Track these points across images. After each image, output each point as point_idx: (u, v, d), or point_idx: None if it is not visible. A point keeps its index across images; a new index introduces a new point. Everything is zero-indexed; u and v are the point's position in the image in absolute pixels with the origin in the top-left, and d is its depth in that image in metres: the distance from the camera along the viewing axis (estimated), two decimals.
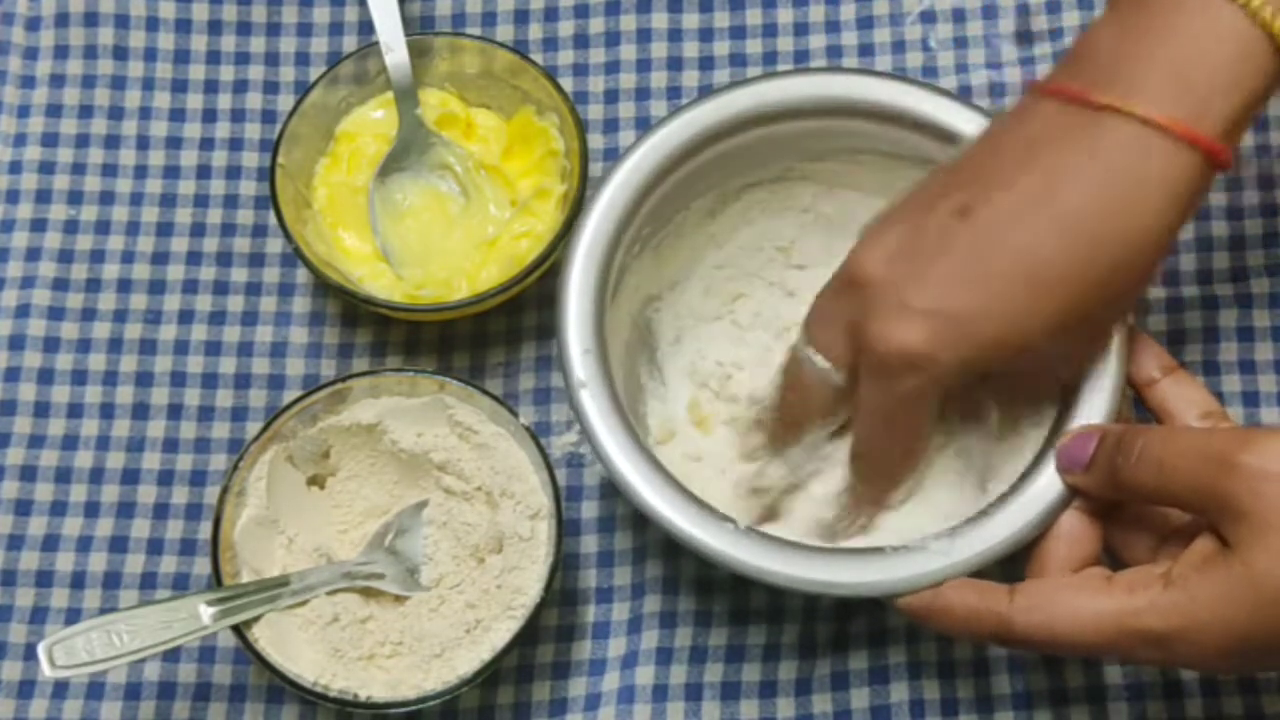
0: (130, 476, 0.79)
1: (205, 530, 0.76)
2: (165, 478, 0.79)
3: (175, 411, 0.81)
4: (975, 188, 0.65)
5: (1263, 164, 0.82)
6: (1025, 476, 0.67)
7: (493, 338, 0.82)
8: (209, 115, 0.87)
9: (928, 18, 0.87)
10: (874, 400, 0.66)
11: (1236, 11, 0.62)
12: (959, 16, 0.87)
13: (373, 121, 0.83)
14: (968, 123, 0.72)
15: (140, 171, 0.85)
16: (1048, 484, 0.66)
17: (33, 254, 0.83)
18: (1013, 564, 0.67)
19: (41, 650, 0.66)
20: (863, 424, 0.68)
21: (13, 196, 0.84)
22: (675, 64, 0.87)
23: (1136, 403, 0.69)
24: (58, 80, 0.87)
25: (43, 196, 0.85)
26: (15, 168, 0.85)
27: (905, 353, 0.63)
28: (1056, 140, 0.63)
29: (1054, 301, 0.63)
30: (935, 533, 0.66)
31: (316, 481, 0.76)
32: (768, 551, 0.66)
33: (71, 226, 0.84)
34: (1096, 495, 0.65)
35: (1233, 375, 0.78)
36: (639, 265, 0.75)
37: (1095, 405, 0.67)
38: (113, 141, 0.86)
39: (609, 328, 0.71)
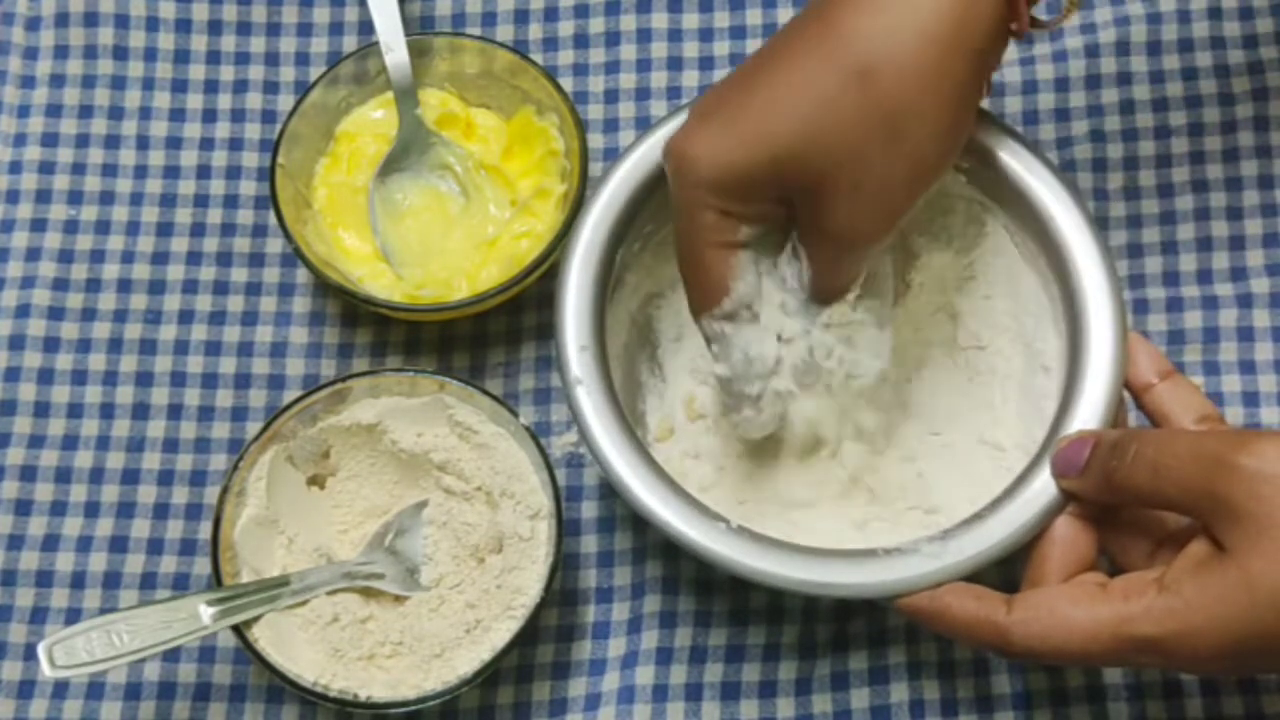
0: (130, 476, 0.79)
1: (205, 530, 0.76)
2: (165, 478, 0.79)
3: (175, 411, 0.81)
4: (784, 33, 0.66)
5: (1262, 164, 0.82)
6: (1018, 481, 0.67)
7: (493, 338, 0.82)
8: (209, 115, 0.87)
9: None
10: (672, 208, 0.67)
11: None
12: None
13: (373, 121, 0.83)
14: None
15: (140, 171, 0.85)
16: (1041, 488, 0.66)
17: (33, 254, 0.83)
18: (1009, 566, 0.67)
19: (41, 650, 0.66)
20: (674, 231, 0.68)
21: (13, 196, 0.84)
22: (675, 64, 0.87)
23: (1133, 407, 0.69)
24: (58, 80, 0.87)
25: (43, 196, 0.85)
26: (15, 168, 0.85)
27: (675, 153, 0.65)
28: None
29: (816, 98, 0.63)
30: (928, 535, 0.66)
31: (316, 481, 0.76)
32: (760, 552, 0.66)
33: (71, 226, 0.84)
34: (1092, 499, 0.65)
35: (1233, 375, 0.78)
36: (640, 263, 0.75)
37: (1092, 409, 0.67)
38: (113, 141, 0.86)
39: (608, 325, 0.71)
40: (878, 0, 0.62)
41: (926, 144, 0.64)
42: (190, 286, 0.83)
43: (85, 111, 0.86)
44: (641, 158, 0.73)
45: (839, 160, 0.63)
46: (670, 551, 0.76)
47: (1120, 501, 0.64)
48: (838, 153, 0.63)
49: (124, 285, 0.83)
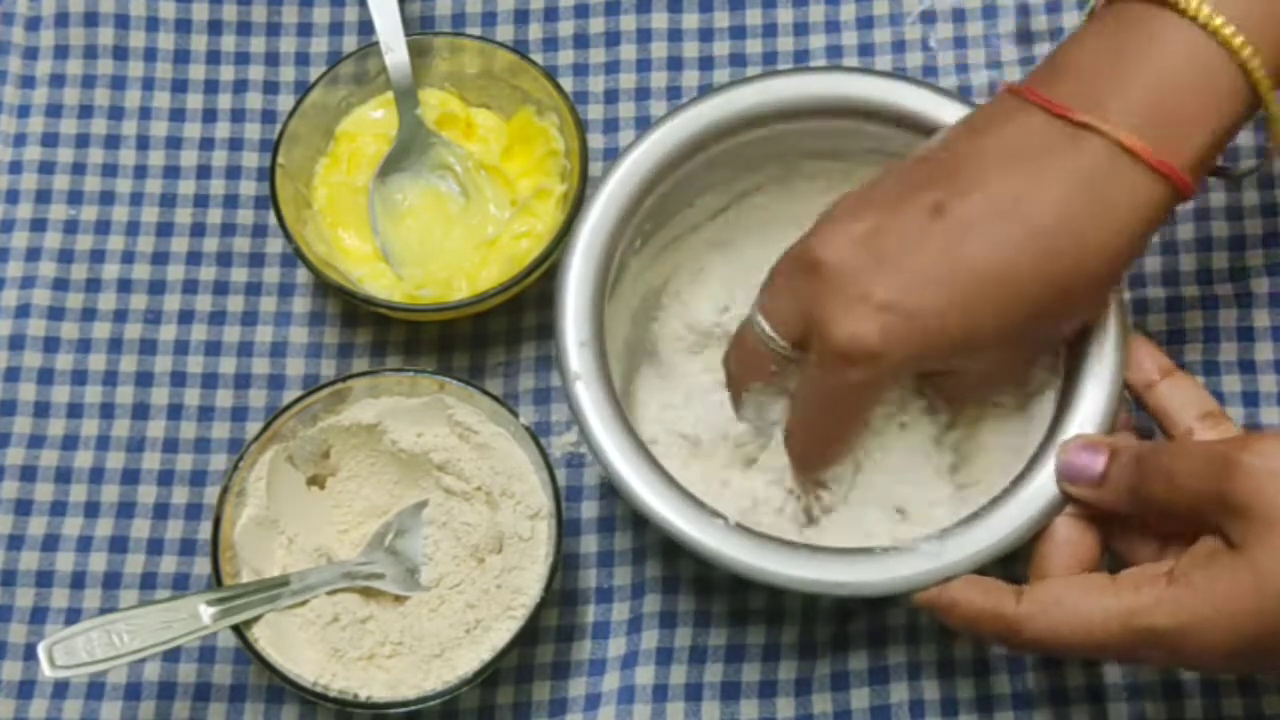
0: (130, 476, 0.79)
1: (205, 530, 0.76)
2: (165, 478, 0.79)
3: (175, 411, 0.81)
4: (951, 187, 0.65)
5: (1263, 164, 0.82)
6: (1018, 481, 0.67)
7: (493, 338, 0.82)
8: (209, 115, 0.87)
9: (928, 18, 0.87)
10: (817, 384, 0.67)
11: (1207, 39, 0.63)
12: (959, 16, 0.87)
13: (373, 121, 0.83)
14: None
15: (140, 171, 0.85)
16: (1040, 489, 0.66)
17: (33, 254, 0.83)
18: (1010, 564, 0.67)
19: (41, 650, 0.66)
20: (802, 402, 0.69)
21: (13, 196, 0.84)
22: (675, 64, 0.87)
23: (1135, 405, 0.69)
24: (58, 80, 0.87)
25: (43, 196, 0.85)
26: (15, 168, 0.85)
27: (858, 346, 0.64)
28: (1035, 150, 0.64)
29: (1013, 307, 0.64)
30: (926, 534, 0.66)
31: (316, 481, 0.76)
32: (758, 549, 0.66)
33: (71, 226, 0.84)
34: (1107, 509, 0.66)
35: (1233, 375, 0.78)
36: (641, 260, 0.75)
37: (1092, 410, 0.67)
38: (113, 141, 0.86)
39: (608, 322, 0.71)
40: (1078, 208, 0.63)
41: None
42: (190, 286, 0.83)
43: (85, 111, 0.86)
44: (644, 155, 0.73)
45: (1019, 350, 0.68)
46: (670, 551, 0.76)
47: (1135, 511, 0.65)
48: (1021, 346, 0.67)
49: (124, 285, 0.83)
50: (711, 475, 0.73)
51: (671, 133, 0.73)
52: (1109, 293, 0.67)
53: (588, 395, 0.69)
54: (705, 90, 0.81)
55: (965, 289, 0.63)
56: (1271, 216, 0.81)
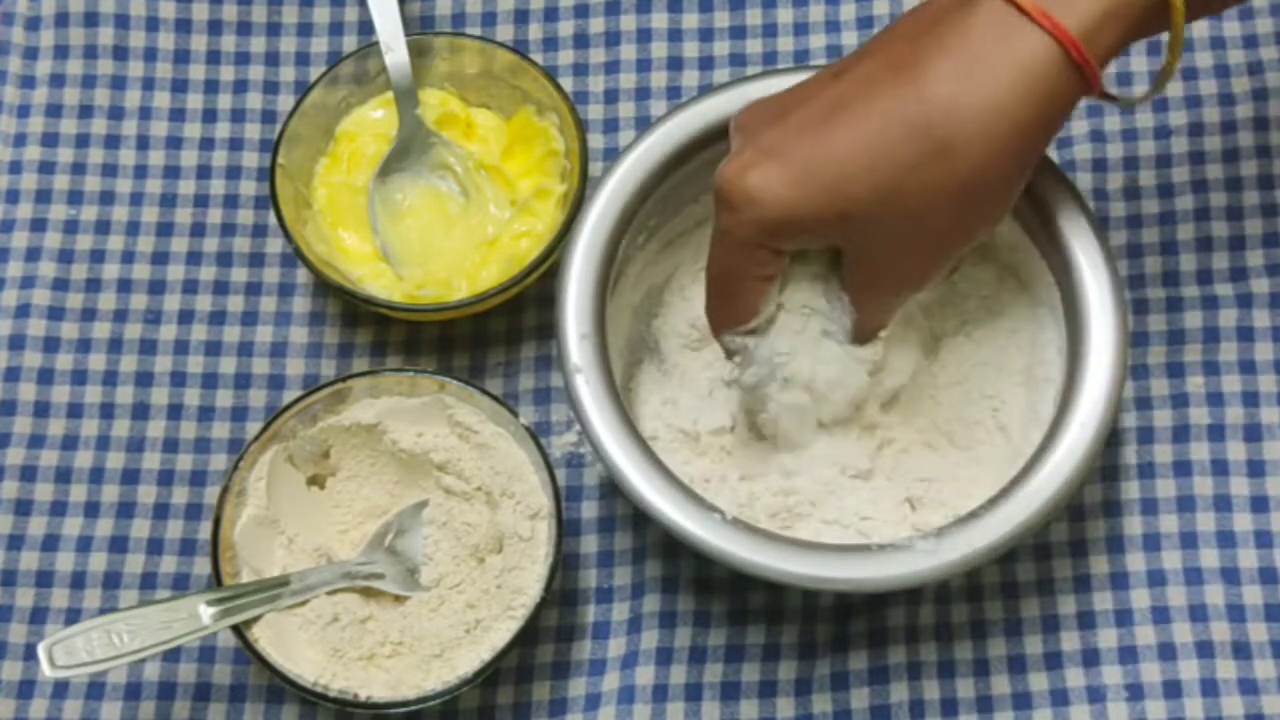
0: (130, 476, 0.79)
1: (205, 530, 0.76)
2: (165, 478, 0.79)
3: (175, 411, 0.81)
4: (855, 56, 0.66)
5: (1262, 164, 0.82)
6: (1016, 479, 0.67)
7: (493, 338, 0.82)
8: (209, 115, 0.87)
9: None
10: (715, 233, 0.66)
11: None
12: None
13: (373, 121, 0.84)
14: None
15: (140, 171, 0.85)
16: (1038, 487, 0.66)
17: (33, 254, 0.83)
18: (1007, 564, 0.67)
19: (42, 650, 0.66)
20: (707, 258, 0.68)
21: (13, 196, 0.85)
22: (675, 64, 0.87)
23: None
24: (58, 80, 0.87)
25: (43, 196, 0.85)
26: (15, 168, 0.85)
27: (735, 189, 0.64)
28: (936, 18, 0.64)
29: (885, 164, 0.63)
30: (924, 532, 0.66)
31: (316, 481, 0.77)
32: (754, 544, 0.66)
33: (71, 226, 0.84)
34: None
35: (1233, 375, 0.78)
36: (644, 256, 0.75)
37: (1092, 409, 0.67)
38: (113, 141, 0.86)
39: (610, 317, 0.71)
40: (960, 64, 0.62)
41: (992, 211, 0.66)
42: (190, 286, 0.83)
43: (85, 111, 0.86)
44: (646, 152, 0.73)
45: (906, 221, 0.64)
46: (670, 551, 0.76)
47: None
48: (906, 215, 0.64)
49: (124, 285, 0.83)
50: (711, 471, 0.73)
51: (674, 130, 0.74)
52: (1008, 177, 0.65)
53: (588, 389, 0.69)
54: (705, 90, 0.81)
55: (840, 143, 0.63)
56: (1271, 217, 0.81)
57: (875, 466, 0.73)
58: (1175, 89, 0.84)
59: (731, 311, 0.68)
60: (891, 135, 0.63)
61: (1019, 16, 0.62)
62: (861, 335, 0.69)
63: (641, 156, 0.73)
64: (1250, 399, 0.78)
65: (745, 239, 0.65)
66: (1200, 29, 0.85)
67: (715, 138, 0.74)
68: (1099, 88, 0.64)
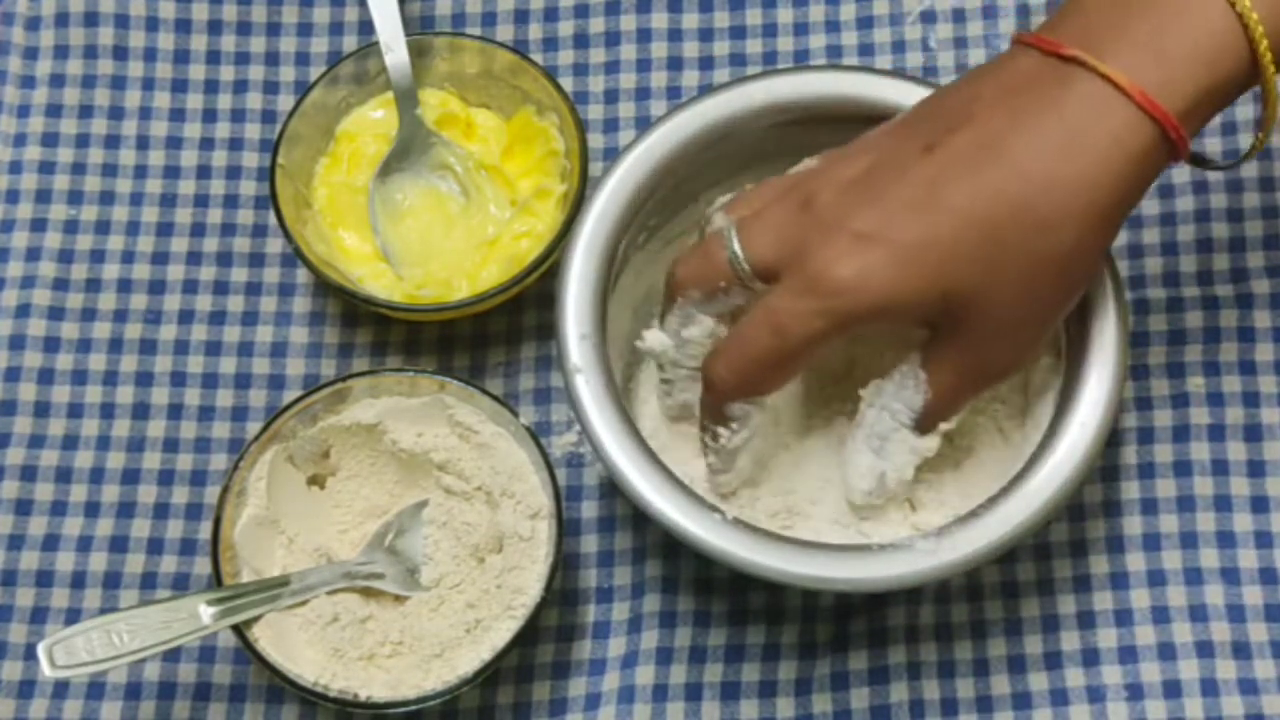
0: (130, 476, 0.79)
1: (205, 530, 0.76)
2: (165, 477, 0.79)
3: (175, 411, 0.81)
4: (942, 126, 0.64)
5: (1263, 166, 0.82)
6: (1016, 480, 0.67)
7: (493, 338, 0.82)
8: (209, 115, 0.87)
9: (928, 18, 0.87)
10: (776, 309, 0.64)
11: (1221, 3, 0.62)
12: (959, 16, 0.87)
13: (373, 121, 0.84)
14: None
15: (140, 171, 0.86)
16: (1039, 487, 0.66)
17: (33, 254, 0.83)
18: (1007, 564, 0.67)
19: (42, 650, 0.66)
20: (749, 323, 0.66)
21: (13, 196, 0.85)
22: (675, 64, 0.87)
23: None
24: (58, 80, 0.87)
25: (43, 196, 0.85)
26: (15, 168, 0.85)
27: (832, 276, 0.62)
28: (1024, 87, 0.63)
29: (992, 247, 0.62)
30: (924, 532, 0.66)
31: (316, 481, 0.77)
32: (754, 544, 0.66)
33: (71, 226, 0.84)
34: None
35: (1233, 375, 0.78)
36: (644, 256, 0.75)
37: (1093, 410, 0.67)
38: (113, 141, 0.86)
39: (610, 317, 0.71)
40: (1058, 141, 0.62)
41: (1085, 283, 0.67)
42: (190, 286, 0.83)
43: (85, 111, 0.86)
44: (646, 152, 0.73)
45: (1009, 298, 0.63)
46: (670, 551, 0.76)
47: None
48: (1011, 292, 0.63)
49: (124, 285, 0.83)
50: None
51: (674, 129, 0.74)
52: (1098, 250, 0.65)
53: (588, 389, 0.69)
54: (705, 90, 0.81)
55: (944, 224, 0.62)
56: (1272, 219, 0.82)
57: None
58: None
59: (765, 384, 0.67)
60: (995, 213, 0.62)
61: (1118, 95, 0.62)
62: (929, 422, 0.68)
63: (642, 156, 0.73)
64: (1251, 399, 0.78)
65: (830, 325, 0.63)
66: None
67: (716, 138, 0.74)
68: (1187, 158, 0.64)
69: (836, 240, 0.63)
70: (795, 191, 0.66)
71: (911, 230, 0.62)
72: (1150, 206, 0.82)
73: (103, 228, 0.84)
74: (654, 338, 0.70)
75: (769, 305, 0.64)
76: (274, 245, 0.84)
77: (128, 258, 0.84)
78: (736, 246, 0.66)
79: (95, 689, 0.75)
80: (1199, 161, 0.68)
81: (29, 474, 0.79)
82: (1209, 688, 0.73)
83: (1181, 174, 0.82)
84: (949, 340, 0.65)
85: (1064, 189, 0.62)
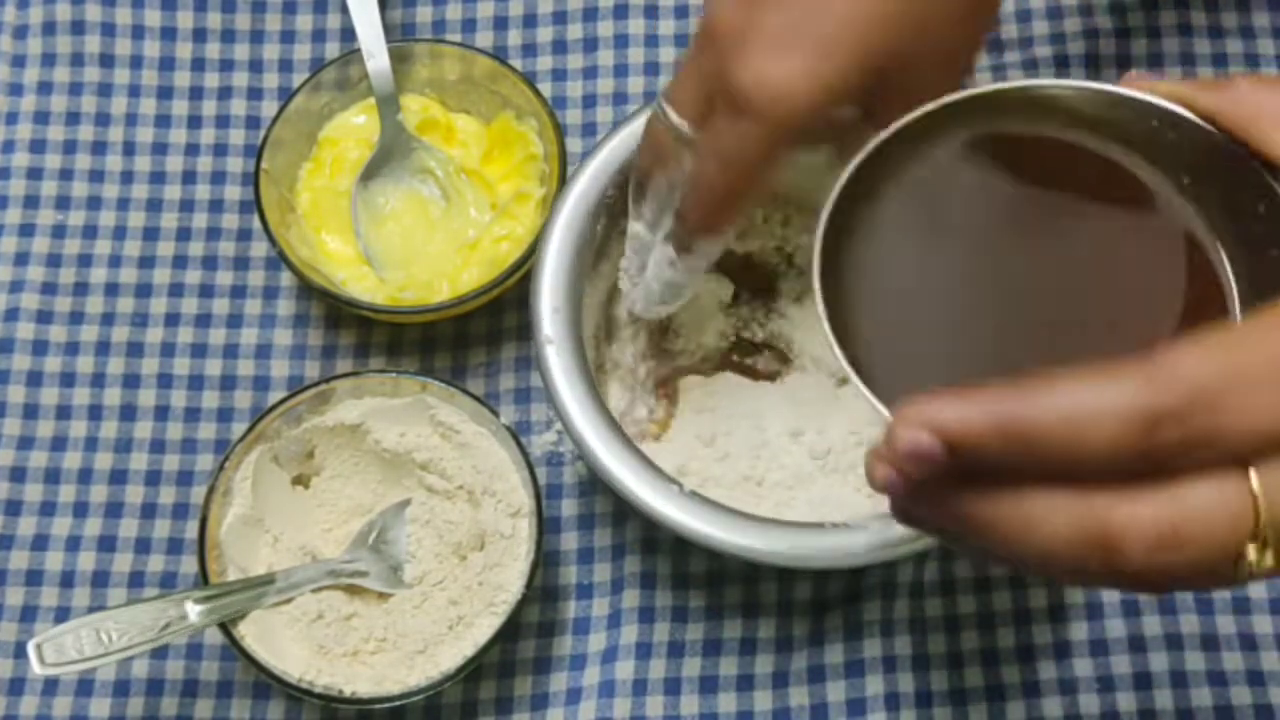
0: (118, 477, 0.80)
1: (192, 529, 0.77)
2: (153, 478, 0.80)
3: (162, 413, 0.81)
4: None
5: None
6: None
7: (474, 339, 0.82)
8: (194, 121, 0.87)
9: None
10: (720, 136, 0.62)
11: None
12: None
13: (355, 127, 0.84)
14: None
15: (127, 177, 0.86)
16: None
17: (21, 258, 0.84)
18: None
19: (31, 648, 0.67)
20: (700, 160, 0.64)
21: (1, 202, 0.85)
22: (652, 69, 0.88)
23: None
24: (45, 87, 0.87)
25: (30, 202, 0.85)
26: (3, 174, 0.86)
27: (762, 84, 0.60)
28: None
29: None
30: (878, 513, 0.67)
31: (301, 481, 0.77)
32: (706, 515, 0.67)
33: (59, 231, 0.85)
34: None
35: None
36: (622, 238, 0.76)
37: None
38: (99, 148, 0.86)
39: (587, 297, 0.72)
40: None
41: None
42: (176, 290, 0.84)
43: (72, 118, 0.87)
44: (633, 133, 0.73)
45: (933, 50, 0.61)
46: (649, 547, 0.77)
47: None
48: (933, 43, 0.61)
49: (111, 289, 0.84)
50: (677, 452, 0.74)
51: None
52: None
53: (558, 359, 0.69)
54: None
55: (844, 7, 0.60)
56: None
57: (858, 458, 0.74)
58: (1173, 76, 0.84)
59: (720, 216, 0.65)
60: None
61: None
62: None
63: (626, 138, 0.74)
64: None
65: (770, 139, 0.61)
66: (1199, 18, 0.86)
67: None
68: None
69: (751, 55, 0.60)
70: (696, 39, 0.64)
71: (821, 17, 0.60)
72: None
73: (90, 232, 0.85)
74: (635, 227, 0.70)
75: (707, 138, 0.63)
76: (258, 249, 0.85)
77: (115, 262, 0.84)
78: (666, 110, 0.65)
79: (84, 686, 0.75)
80: None
81: (18, 475, 0.80)
82: (1178, 679, 0.74)
83: None
84: (886, 108, 0.60)
85: None
